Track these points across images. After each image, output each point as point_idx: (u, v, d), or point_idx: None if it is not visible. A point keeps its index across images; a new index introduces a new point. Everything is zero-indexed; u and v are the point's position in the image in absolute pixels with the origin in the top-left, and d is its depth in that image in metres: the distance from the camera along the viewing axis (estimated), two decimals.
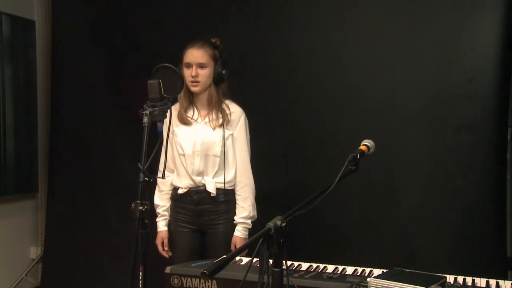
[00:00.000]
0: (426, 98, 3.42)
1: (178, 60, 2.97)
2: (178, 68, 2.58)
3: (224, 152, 2.98)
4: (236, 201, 3.03)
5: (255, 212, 3.05)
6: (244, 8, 3.83)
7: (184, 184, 3.01)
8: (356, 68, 3.56)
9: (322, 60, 3.65)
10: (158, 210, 3.08)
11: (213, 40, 3.02)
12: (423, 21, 3.42)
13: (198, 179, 2.98)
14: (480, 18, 3.32)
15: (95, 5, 4.27)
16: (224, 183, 2.99)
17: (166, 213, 3.09)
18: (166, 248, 3.09)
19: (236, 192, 3.04)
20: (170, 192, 3.09)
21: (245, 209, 3.01)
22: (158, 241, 3.09)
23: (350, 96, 3.59)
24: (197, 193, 2.99)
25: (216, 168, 2.98)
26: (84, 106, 4.34)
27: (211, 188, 2.97)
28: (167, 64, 2.43)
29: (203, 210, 3.00)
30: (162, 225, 3.09)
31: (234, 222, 3.01)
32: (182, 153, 3.00)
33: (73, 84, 4.37)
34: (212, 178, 2.98)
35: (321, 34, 3.65)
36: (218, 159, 2.98)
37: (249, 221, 3.02)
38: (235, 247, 2.99)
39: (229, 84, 3.07)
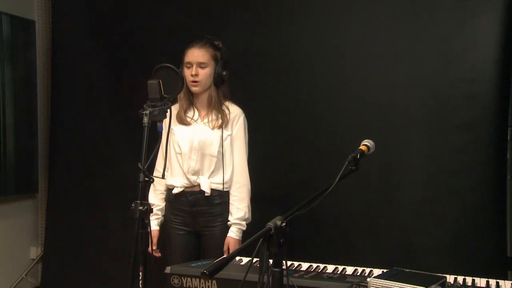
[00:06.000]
0: (426, 98, 3.42)
1: (178, 60, 2.96)
2: (179, 69, 2.58)
3: (222, 153, 2.97)
4: (231, 202, 3.00)
5: (250, 214, 3.03)
6: (244, 8, 3.83)
7: (179, 183, 2.99)
8: (356, 68, 3.57)
9: (322, 60, 3.65)
10: None
11: (215, 43, 3.01)
12: (423, 21, 3.42)
13: (193, 178, 2.97)
14: (480, 18, 3.32)
15: (95, 5, 4.27)
16: (223, 183, 2.98)
17: (159, 212, 3.06)
18: (155, 248, 3.03)
19: (232, 193, 3.01)
20: (165, 192, 3.07)
21: (240, 210, 2.99)
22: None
23: (350, 96, 3.59)
24: (192, 194, 2.98)
25: (212, 168, 2.97)
26: (84, 106, 4.34)
27: (206, 188, 2.95)
28: (167, 64, 2.43)
29: (198, 211, 2.99)
30: (154, 224, 3.04)
31: (229, 223, 2.99)
32: (179, 151, 2.99)
33: (73, 84, 4.37)
34: (208, 178, 2.97)
35: (321, 34, 3.65)
36: (214, 159, 2.97)
37: (244, 223, 3.00)
38: (228, 248, 2.97)
39: (229, 85, 3.07)
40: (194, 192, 2.98)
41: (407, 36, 3.45)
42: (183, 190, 2.99)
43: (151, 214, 2.98)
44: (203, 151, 2.96)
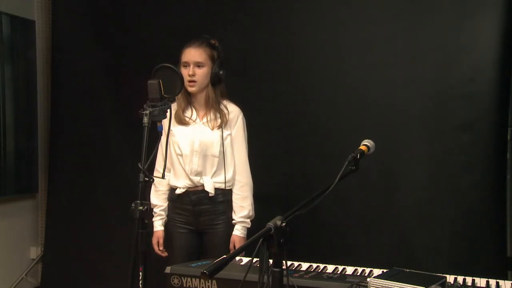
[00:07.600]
0: (426, 98, 3.42)
1: (178, 60, 2.97)
2: (178, 69, 2.58)
3: (223, 152, 2.98)
4: (235, 200, 3.02)
5: (254, 212, 3.04)
6: (244, 8, 3.83)
7: (182, 184, 3.00)
8: (357, 68, 3.56)
9: (322, 60, 3.65)
10: (154, 210, 3.06)
11: (212, 42, 3.02)
12: (423, 21, 3.42)
13: (196, 179, 2.98)
14: (480, 18, 3.32)
15: (95, 5, 4.27)
16: (225, 182, 2.99)
17: (163, 212, 3.08)
18: (161, 248, 3.08)
19: (235, 191, 3.03)
20: (167, 192, 3.08)
21: (244, 208, 3.00)
22: (154, 241, 3.08)
23: (350, 96, 3.59)
24: (195, 194, 2.99)
25: (214, 168, 2.98)
26: (84, 106, 4.34)
27: (210, 188, 2.96)
28: (167, 64, 2.43)
29: (201, 210, 3.00)
30: (158, 225, 3.07)
31: (233, 221, 3.01)
32: (180, 153, 2.99)
33: (73, 84, 4.37)
34: (211, 178, 2.98)
35: (321, 34, 3.65)
36: (216, 159, 2.97)
37: (248, 220, 3.01)
38: (234, 247, 2.98)
39: (227, 85, 3.07)
40: (197, 192, 2.99)
41: (407, 36, 3.45)
42: (186, 190, 3.00)
43: (154, 215, 3.03)
44: (204, 152, 2.97)
